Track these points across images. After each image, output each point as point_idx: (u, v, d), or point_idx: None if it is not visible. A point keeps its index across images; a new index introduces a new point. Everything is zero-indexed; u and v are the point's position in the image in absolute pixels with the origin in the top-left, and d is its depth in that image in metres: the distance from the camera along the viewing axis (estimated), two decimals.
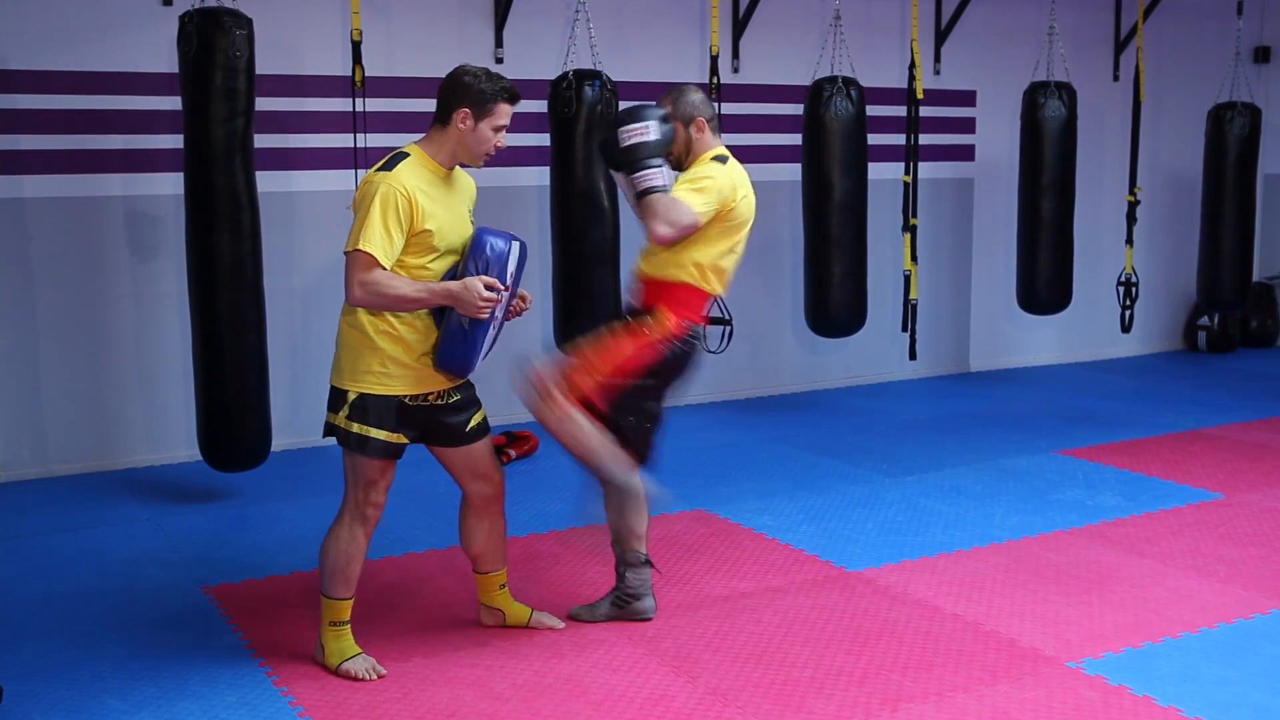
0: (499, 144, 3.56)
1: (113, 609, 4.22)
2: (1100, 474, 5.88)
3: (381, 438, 3.56)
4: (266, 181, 5.64)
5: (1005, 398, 7.71)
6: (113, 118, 5.87)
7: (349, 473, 3.63)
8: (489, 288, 3.41)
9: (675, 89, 3.98)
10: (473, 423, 3.73)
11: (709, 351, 6.79)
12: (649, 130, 3.81)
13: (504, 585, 3.98)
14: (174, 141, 5.68)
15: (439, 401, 3.63)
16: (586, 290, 6.05)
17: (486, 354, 3.64)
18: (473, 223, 3.67)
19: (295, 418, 6.34)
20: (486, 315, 3.44)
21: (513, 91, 3.56)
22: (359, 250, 3.39)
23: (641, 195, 3.78)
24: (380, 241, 3.38)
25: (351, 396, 3.54)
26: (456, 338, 3.50)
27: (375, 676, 3.63)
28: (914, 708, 3.46)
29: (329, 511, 5.30)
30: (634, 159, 3.79)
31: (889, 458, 6.20)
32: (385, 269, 3.40)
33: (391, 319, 3.50)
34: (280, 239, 6.16)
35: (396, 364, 3.52)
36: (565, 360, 3.89)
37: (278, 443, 5.78)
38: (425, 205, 3.45)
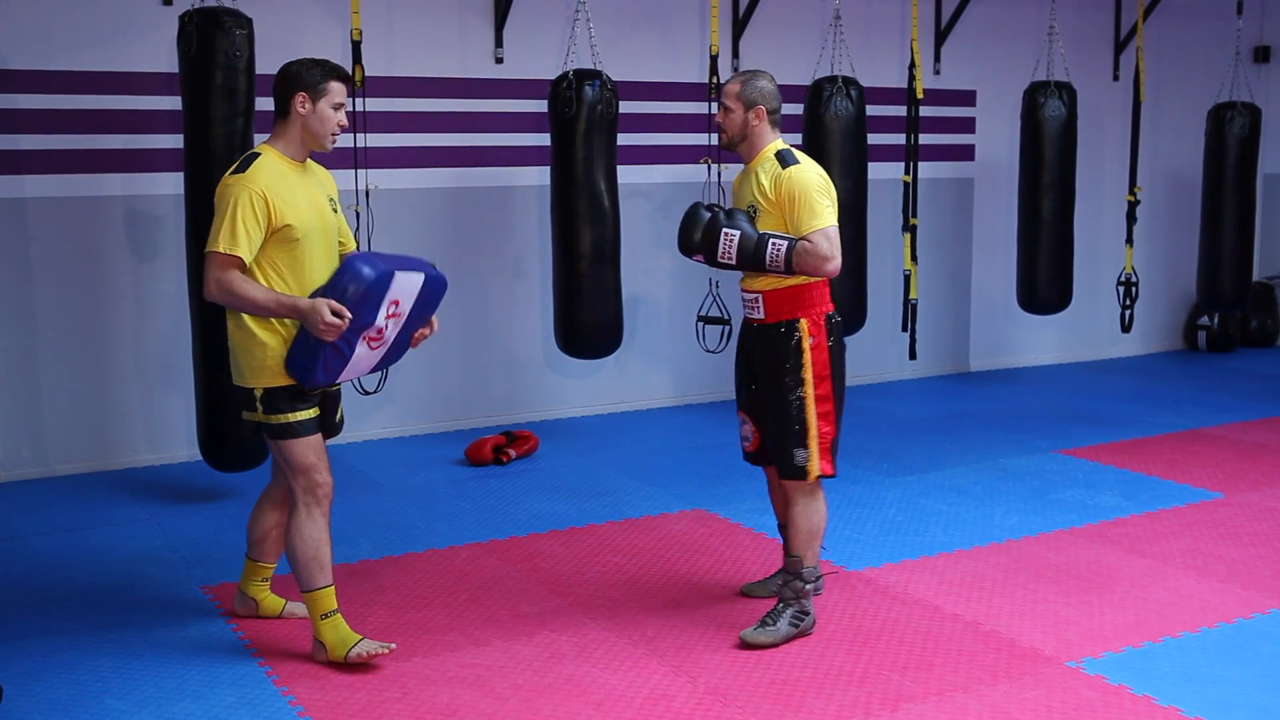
0: (341, 123, 3.72)
1: (113, 609, 4.22)
2: (1100, 474, 5.88)
3: (300, 419, 3.68)
4: None
5: (1005, 397, 7.71)
6: (113, 118, 5.87)
7: (286, 465, 3.72)
8: (335, 313, 3.49)
9: (747, 72, 4.01)
10: (338, 415, 3.96)
11: (708, 351, 6.83)
12: (729, 234, 3.83)
13: (268, 579, 4.11)
14: (174, 141, 5.68)
15: (330, 388, 3.83)
16: (586, 290, 6.05)
17: (371, 371, 3.81)
18: (335, 211, 3.81)
19: None
20: (328, 339, 3.52)
21: (341, 71, 3.74)
22: (216, 251, 3.54)
23: (789, 259, 3.78)
24: (241, 240, 3.53)
25: (258, 393, 3.67)
26: (301, 348, 3.59)
27: (385, 650, 3.70)
28: (914, 707, 3.46)
29: None
30: (756, 253, 3.81)
31: (889, 458, 6.20)
32: (246, 264, 3.55)
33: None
34: None
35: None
36: (812, 432, 3.89)
37: None
38: (281, 201, 3.59)
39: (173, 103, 5.60)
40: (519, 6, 6.64)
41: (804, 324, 3.89)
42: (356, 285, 3.55)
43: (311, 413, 3.71)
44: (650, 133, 7.12)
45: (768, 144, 3.96)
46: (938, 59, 8.07)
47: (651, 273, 7.23)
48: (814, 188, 3.83)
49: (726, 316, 6.69)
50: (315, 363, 3.59)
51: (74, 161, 5.83)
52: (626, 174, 6.57)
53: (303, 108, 3.67)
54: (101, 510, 5.36)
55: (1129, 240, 7.64)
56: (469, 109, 6.67)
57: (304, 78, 3.68)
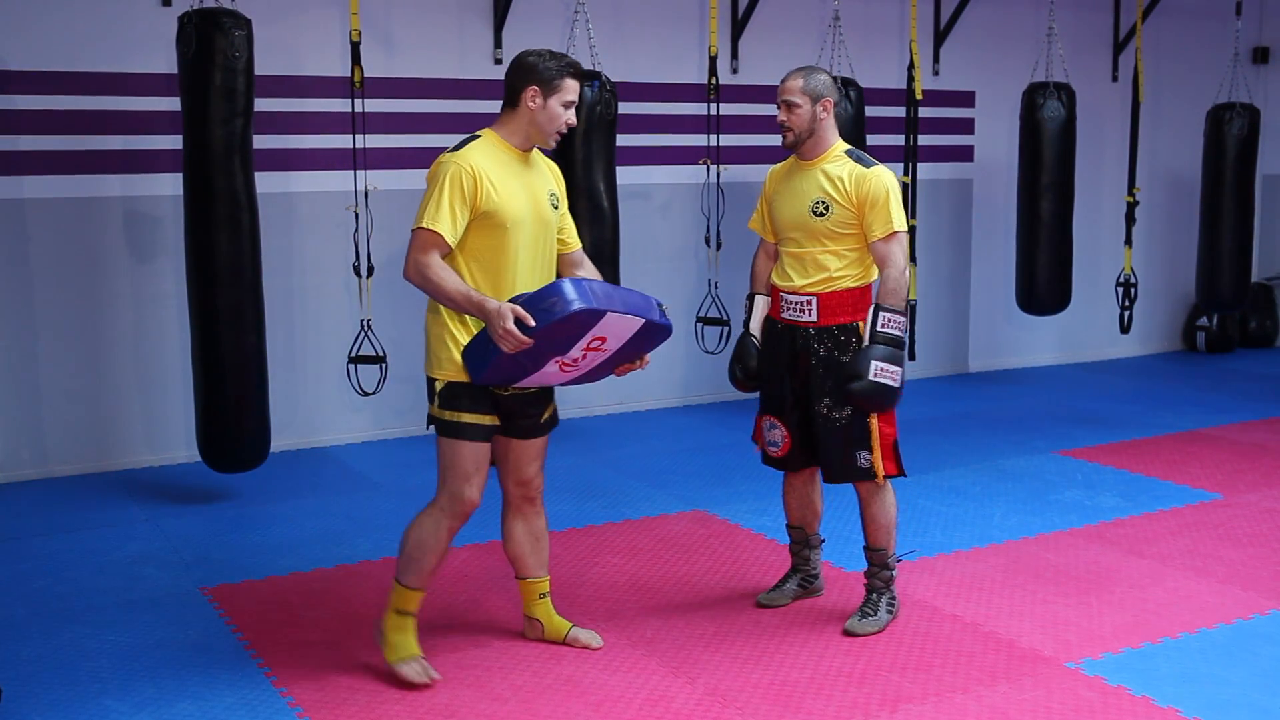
0: (570, 120, 3.55)
1: (112, 610, 4.21)
2: (1099, 475, 5.88)
3: (474, 421, 3.53)
4: (265, 182, 5.64)
5: (1004, 398, 7.71)
6: (112, 118, 5.87)
7: (443, 465, 3.58)
8: (519, 322, 3.25)
9: (804, 68, 3.97)
10: (545, 415, 3.73)
11: (707, 352, 6.83)
12: (885, 368, 3.73)
13: (544, 595, 3.88)
14: (173, 142, 5.67)
15: (524, 390, 3.60)
16: None
17: (564, 384, 3.58)
18: (557, 208, 3.61)
19: (294, 419, 6.34)
20: (505, 347, 3.28)
21: (577, 67, 3.57)
22: (421, 228, 3.40)
23: (894, 305, 3.78)
24: (444, 217, 3.38)
25: (439, 385, 3.53)
26: (479, 342, 3.41)
27: (428, 680, 3.57)
28: (913, 708, 3.46)
29: (328, 512, 5.34)
30: (895, 342, 3.76)
31: None
32: (449, 247, 3.40)
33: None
34: (279, 240, 6.16)
35: None
36: (870, 433, 3.92)
37: (277, 444, 5.78)
38: (491, 184, 3.43)
39: (172, 103, 5.59)
40: (518, 7, 6.65)
41: (862, 326, 3.89)
42: (556, 310, 3.27)
43: (488, 419, 3.54)
44: (649, 134, 7.12)
45: (834, 140, 3.95)
46: (937, 60, 8.07)
47: (650, 273, 7.22)
48: (894, 191, 3.86)
49: (725, 317, 6.70)
50: (484, 363, 3.38)
51: (73, 162, 5.83)
52: (625, 175, 6.58)
53: (533, 102, 3.49)
54: (100, 511, 5.35)
55: (1128, 241, 7.65)
56: (468, 110, 6.66)
57: (540, 72, 3.50)
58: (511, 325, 3.25)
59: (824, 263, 3.90)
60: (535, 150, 3.64)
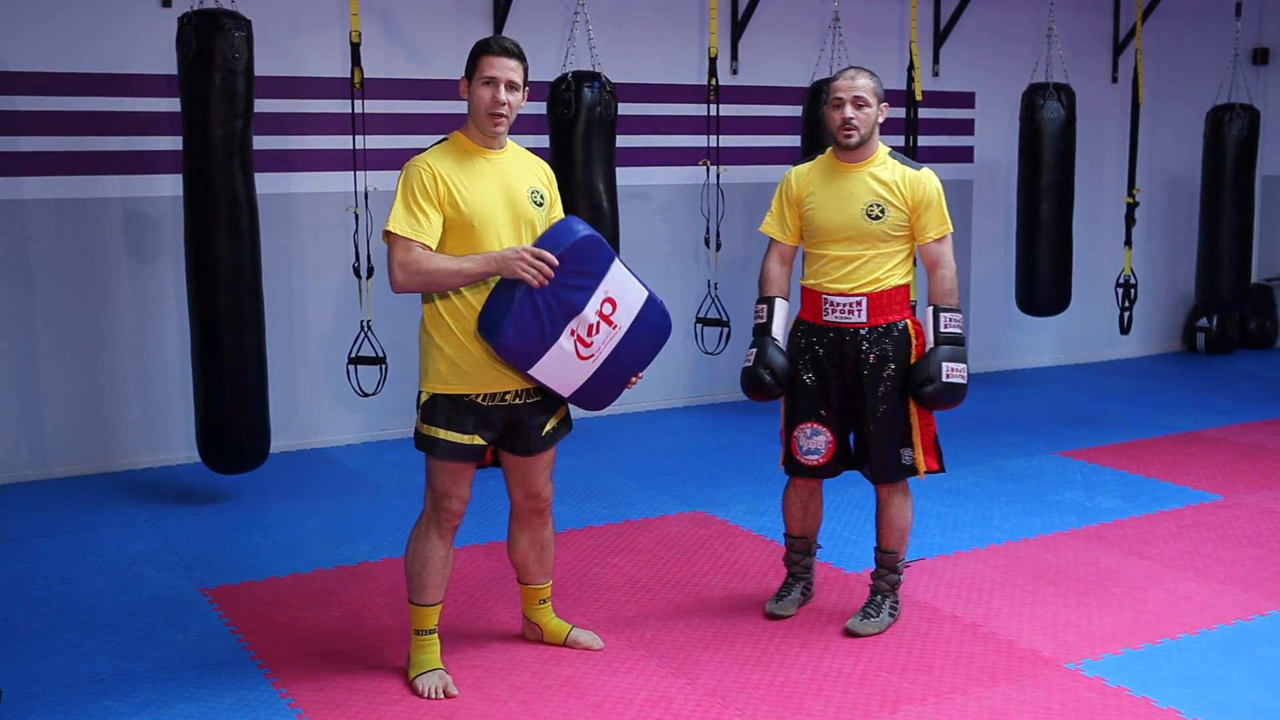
0: (497, 98, 3.41)
1: (111, 611, 4.21)
2: (1099, 475, 5.88)
3: (448, 439, 3.48)
4: (265, 183, 5.63)
5: (1004, 399, 7.71)
6: (112, 119, 5.87)
7: (426, 477, 3.58)
8: (538, 257, 3.27)
9: (864, 69, 3.92)
10: (549, 426, 3.64)
11: (707, 353, 6.83)
12: (961, 369, 3.83)
13: (545, 600, 3.88)
14: (173, 143, 5.67)
15: (517, 401, 3.53)
16: None
17: (577, 399, 3.51)
18: (540, 204, 3.54)
19: (294, 420, 6.34)
20: (529, 277, 3.26)
21: (485, 42, 3.48)
22: (389, 231, 3.35)
23: (956, 305, 3.96)
24: (415, 220, 3.33)
25: (423, 398, 3.52)
26: (496, 298, 3.35)
27: (440, 695, 3.51)
28: (912, 709, 3.46)
29: (327, 513, 5.34)
30: (957, 341, 3.89)
31: None
32: (426, 248, 3.33)
33: (446, 317, 3.43)
34: (279, 241, 6.17)
35: (463, 363, 3.45)
36: (914, 430, 3.94)
37: (276, 445, 5.78)
38: (455, 184, 3.39)
39: (171, 104, 5.59)
40: (518, 8, 6.65)
41: (910, 325, 3.93)
42: (568, 235, 3.34)
43: (465, 438, 3.47)
44: (649, 135, 7.12)
45: (879, 142, 3.95)
46: (936, 61, 8.07)
47: (649, 274, 7.16)
48: (942, 193, 3.92)
49: (725, 318, 6.70)
50: (506, 313, 3.27)
51: (73, 163, 5.83)
52: (625, 176, 6.58)
53: (465, 94, 3.48)
54: (100, 512, 5.35)
55: (1128, 242, 7.65)
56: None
57: (468, 61, 3.47)
58: (529, 255, 3.28)
59: (873, 264, 3.91)
60: (517, 148, 3.60)
